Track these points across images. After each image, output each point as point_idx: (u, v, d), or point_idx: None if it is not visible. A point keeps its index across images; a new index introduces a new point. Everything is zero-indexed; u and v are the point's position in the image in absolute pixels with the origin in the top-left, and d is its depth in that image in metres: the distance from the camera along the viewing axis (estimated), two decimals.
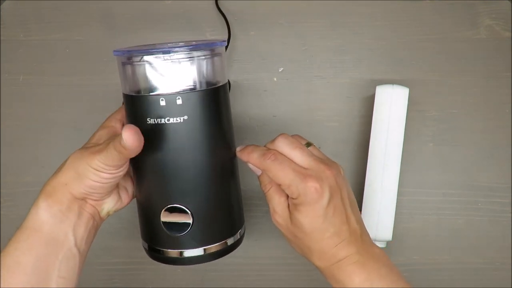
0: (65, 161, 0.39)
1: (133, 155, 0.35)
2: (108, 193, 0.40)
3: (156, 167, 0.38)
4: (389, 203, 0.51)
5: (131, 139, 0.33)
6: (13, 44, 0.57)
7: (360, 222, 0.40)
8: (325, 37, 0.56)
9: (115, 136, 0.35)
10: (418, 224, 0.56)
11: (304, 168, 0.38)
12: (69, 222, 0.37)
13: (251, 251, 0.57)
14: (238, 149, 0.42)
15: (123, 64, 0.39)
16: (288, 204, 0.40)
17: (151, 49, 0.36)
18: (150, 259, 0.42)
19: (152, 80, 0.37)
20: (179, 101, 0.36)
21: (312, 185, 0.37)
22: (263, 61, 0.57)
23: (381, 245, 0.51)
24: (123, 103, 0.49)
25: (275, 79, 0.57)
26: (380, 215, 0.51)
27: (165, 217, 0.38)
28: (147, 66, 0.37)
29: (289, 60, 0.56)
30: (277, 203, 0.40)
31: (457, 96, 0.56)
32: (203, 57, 0.38)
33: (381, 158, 0.50)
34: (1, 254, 0.36)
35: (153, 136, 0.37)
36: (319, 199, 0.37)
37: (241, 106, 0.56)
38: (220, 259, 0.41)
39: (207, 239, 0.40)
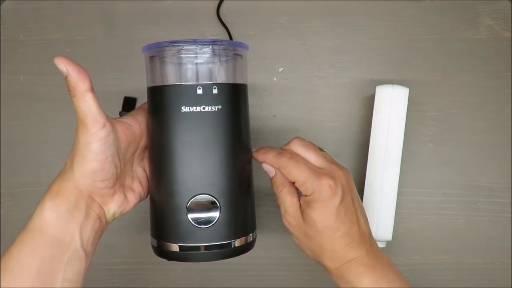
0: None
1: (80, 84, 0.37)
2: (113, 185, 0.38)
3: (187, 155, 0.38)
4: (389, 203, 0.51)
5: (62, 61, 0.36)
6: (13, 44, 0.57)
7: (368, 227, 0.41)
8: (325, 37, 0.56)
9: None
10: (418, 224, 0.56)
11: (318, 167, 0.40)
12: (76, 221, 0.36)
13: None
14: (254, 149, 0.43)
15: (156, 56, 0.40)
16: (300, 205, 0.40)
17: (192, 40, 0.38)
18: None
19: (189, 70, 0.39)
20: (215, 91, 0.38)
21: (326, 182, 0.38)
22: (263, 61, 0.57)
23: (381, 245, 0.51)
24: (122, 107, 0.48)
25: (275, 79, 0.57)
26: (380, 215, 0.51)
27: (192, 208, 0.38)
28: (186, 56, 0.38)
29: (289, 60, 0.56)
30: (289, 204, 0.41)
31: (457, 96, 0.56)
32: (237, 54, 0.41)
33: (381, 158, 0.50)
34: (4, 256, 0.35)
35: (187, 124, 0.38)
36: (333, 196, 0.38)
37: None
38: None
39: (233, 232, 0.40)
